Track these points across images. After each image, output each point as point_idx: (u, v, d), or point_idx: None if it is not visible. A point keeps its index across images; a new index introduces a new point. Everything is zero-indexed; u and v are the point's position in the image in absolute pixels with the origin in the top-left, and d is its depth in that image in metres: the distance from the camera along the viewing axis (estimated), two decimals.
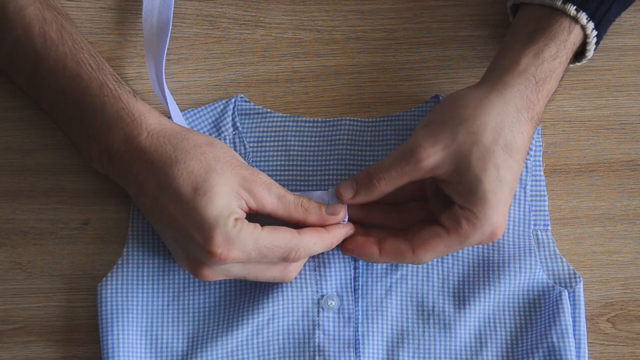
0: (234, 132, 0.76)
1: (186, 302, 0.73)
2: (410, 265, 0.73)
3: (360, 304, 0.73)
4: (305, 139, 0.76)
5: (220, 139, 0.76)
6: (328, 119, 0.77)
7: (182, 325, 0.73)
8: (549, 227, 0.75)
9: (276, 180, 0.75)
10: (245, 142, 0.76)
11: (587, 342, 0.73)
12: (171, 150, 0.66)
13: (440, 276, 0.73)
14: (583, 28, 0.70)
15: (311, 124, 0.77)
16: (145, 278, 0.73)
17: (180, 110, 0.76)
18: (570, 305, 0.73)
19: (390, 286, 0.73)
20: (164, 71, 0.74)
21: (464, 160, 0.66)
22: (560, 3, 0.69)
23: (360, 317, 0.72)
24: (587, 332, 0.74)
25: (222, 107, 0.77)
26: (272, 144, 0.76)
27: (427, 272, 0.73)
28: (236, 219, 0.65)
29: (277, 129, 0.77)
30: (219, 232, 0.64)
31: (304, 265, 0.72)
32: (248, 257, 0.66)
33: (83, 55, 0.69)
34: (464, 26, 0.79)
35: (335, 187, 0.71)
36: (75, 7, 0.79)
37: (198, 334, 0.72)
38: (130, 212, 0.74)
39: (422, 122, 0.70)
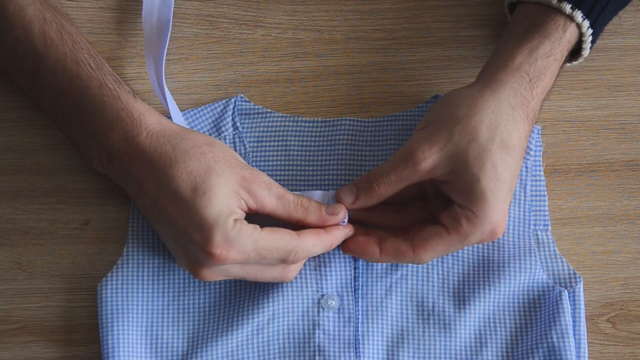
0: (234, 132, 0.76)
1: (186, 301, 0.73)
2: (410, 265, 0.73)
3: (360, 303, 0.73)
4: (305, 139, 0.76)
5: (220, 138, 0.76)
6: (328, 119, 0.77)
7: (182, 325, 0.73)
8: (549, 227, 0.75)
9: (276, 180, 0.75)
10: (245, 142, 0.76)
11: (587, 342, 0.73)
12: (170, 151, 0.66)
13: (440, 276, 0.73)
14: (578, 26, 0.70)
15: (311, 124, 0.77)
16: (145, 278, 0.73)
17: (180, 110, 0.76)
18: (570, 305, 0.73)
19: (391, 286, 0.73)
20: (163, 71, 0.74)
21: (461, 160, 0.67)
22: (555, 1, 0.69)
23: (360, 316, 0.72)
24: (587, 332, 0.74)
25: (222, 107, 0.77)
26: (272, 143, 0.76)
27: (427, 272, 0.73)
28: (235, 220, 0.65)
29: (277, 128, 0.77)
30: (218, 233, 0.64)
31: (304, 265, 0.72)
32: (247, 258, 0.66)
33: (83, 55, 0.69)
34: (464, 26, 0.79)
35: (335, 191, 0.71)
36: (75, 7, 0.79)
37: (198, 333, 0.72)
38: (130, 212, 0.74)
39: (419, 125, 0.70)
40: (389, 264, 0.73)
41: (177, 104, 0.76)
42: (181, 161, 0.66)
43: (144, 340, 0.72)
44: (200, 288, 0.73)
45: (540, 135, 0.76)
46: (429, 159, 0.67)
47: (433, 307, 0.73)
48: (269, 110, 0.77)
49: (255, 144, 0.76)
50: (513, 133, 0.67)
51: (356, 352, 0.72)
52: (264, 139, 0.76)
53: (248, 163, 0.74)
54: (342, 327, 0.72)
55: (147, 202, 0.67)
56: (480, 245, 0.74)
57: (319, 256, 0.72)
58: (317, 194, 0.71)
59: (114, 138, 0.67)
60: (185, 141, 0.67)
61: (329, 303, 0.72)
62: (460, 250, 0.73)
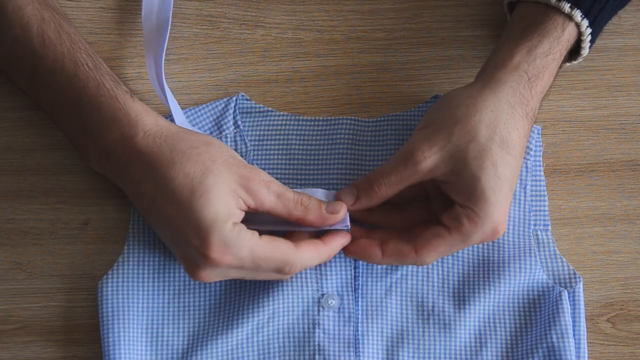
0: (235, 131, 0.76)
1: (187, 300, 0.73)
2: (410, 265, 0.73)
3: (360, 303, 0.73)
4: (306, 137, 0.76)
5: (221, 137, 0.76)
6: (329, 118, 0.77)
7: (182, 323, 0.73)
8: (549, 227, 0.75)
9: (277, 179, 0.75)
10: (247, 141, 0.76)
11: (587, 342, 0.73)
12: (167, 152, 0.66)
13: (440, 276, 0.73)
14: (577, 25, 0.70)
15: (312, 123, 0.77)
16: (145, 276, 0.73)
17: (181, 109, 0.75)
18: (570, 305, 0.73)
19: (390, 286, 0.73)
20: (163, 69, 0.74)
21: (461, 159, 0.67)
22: (554, 0, 0.69)
23: (360, 316, 0.72)
24: (587, 332, 0.74)
25: (223, 105, 0.77)
26: (273, 142, 0.76)
27: (427, 272, 0.73)
28: (234, 223, 0.65)
29: (278, 127, 0.77)
30: (216, 236, 0.64)
31: None
32: (242, 265, 0.65)
33: (81, 55, 0.69)
34: (464, 26, 0.79)
35: (337, 191, 0.71)
36: (75, 7, 0.79)
37: (198, 332, 0.72)
38: (130, 211, 0.74)
39: (419, 125, 0.70)
40: None
41: (177, 104, 0.75)
42: (178, 162, 0.66)
43: (145, 338, 0.72)
44: (201, 286, 0.73)
45: (540, 135, 0.76)
46: (429, 159, 0.67)
47: (433, 307, 0.73)
48: (270, 108, 0.77)
49: (257, 143, 0.76)
50: (513, 132, 0.67)
51: (356, 352, 0.72)
52: (265, 137, 0.76)
53: (249, 162, 0.74)
54: (342, 326, 0.72)
55: (145, 203, 0.67)
56: (480, 245, 0.74)
57: None
58: (320, 192, 0.71)
59: (111, 138, 0.67)
60: (182, 142, 0.67)
61: (329, 302, 0.72)
62: (460, 251, 0.73)
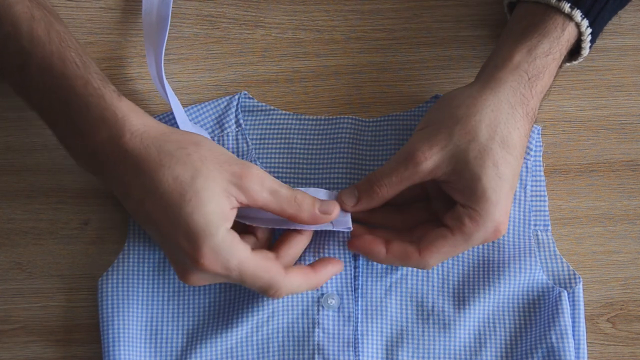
0: (236, 129, 0.76)
1: (186, 298, 0.73)
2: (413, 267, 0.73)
3: (360, 302, 0.73)
4: (307, 136, 0.76)
5: (223, 135, 0.76)
6: (330, 117, 0.77)
7: (182, 321, 0.73)
8: (549, 228, 0.75)
9: (278, 178, 0.75)
10: (248, 139, 0.76)
11: (587, 342, 0.73)
12: (155, 154, 0.65)
13: (440, 276, 0.73)
14: (577, 25, 0.70)
15: (314, 122, 0.77)
16: (145, 273, 0.73)
17: (183, 107, 0.75)
18: (570, 305, 0.73)
19: (390, 286, 0.73)
20: (163, 67, 0.74)
21: (461, 159, 0.66)
22: (554, 0, 0.69)
23: (360, 316, 0.72)
24: (587, 332, 0.74)
25: (225, 103, 0.77)
26: (274, 141, 0.76)
27: (427, 272, 0.73)
28: (227, 230, 0.64)
29: (280, 126, 0.77)
30: (207, 243, 0.63)
31: (305, 264, 0.72)
32: (228, 275, 0.65)
33: (69, 53, 0.67)
34: (464, 26, 0.80)
35: (338, 192, 0.71)
36: (75, 7, 0.79)
37: (198, 330, 0.72)
38: None
39: (419, 125, 0.70)
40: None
41: (178, 101, 0.75)
42: (167, 165, 0.64)
43: (144, 335, 0.72)
44: (201, 285, 0.73)
45: (540, 135, 0.76)
46: (430, 160, 0.67)
47: (433, 307, 0.73)
48: (272, 107, 0.77)
49: (258, 142, 0.76)
50: (513, 131, 0.67)
51: (355, 351, 0.72)
52: (267, 136, 0.76)
53: (251, 160, 0.74)
54: (342, 326, 0.72)
55: (133, 205, 0.66)
56: (480, 246, 0.74)
57: (319, 254, 0.72)
58: (322, 192, 0.71)
59: (99, 138, 0.66)
60: (170, 143, 0.65)
61: (329, 302, 0.72)
62: None
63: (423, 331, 0.73)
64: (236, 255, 0.64)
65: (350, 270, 0.73)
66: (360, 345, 0.72)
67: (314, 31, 0.79)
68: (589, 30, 0.70)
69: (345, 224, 0.70)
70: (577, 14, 0.69)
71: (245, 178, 0.65)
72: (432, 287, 0.73)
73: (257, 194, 0.66)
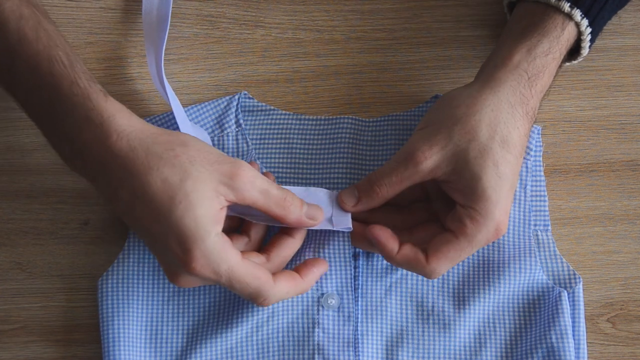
0: (236, 129, 0.76)
1: (186, 298, 0.73)
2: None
3: (360, 302, 0.73)
4: (307, 136, 0.77)
5: (222, 135, 0.76)
6: (330, 117, 0.77)
7: (182, 321, 0.73)
8: (549, 228, 0.75)
9: (278, 177, 0.75)
10: (248, 139, 0.76)
11: (587, 342, 0.73)
12: (143, 156, 0.64)
13: (440, 276, 0.73)
14: (577, 25, 0.70)
15: (314, 122, 0.77)
16: (146, 273, 0.73)
17: (182, 107, 0.75)
18: (570, 305, 0.73)
19: (390, 286, 0.73)
20: (163, 66, 0.74)
21: (462, 159, 0.66)
22: (554, 0, 0.69)
23: (360, 315, 0.72)
24: (587, 332, 0.74)
25: (225, 103, 0.77)
26: (274, 141, 0.76)
27: None
28: (218, 234, 0.63)
29: (280, 126, 0.77)
30: (198, 247, 0.63)
31: None
32: (218, 280, 0.64)
33: (56, 52, 0.66)
34: (464, 26, 0.80)
35: (339, 192, 0.71)
36: (75, 7, 0.79)
37: (198, 330, 0.72)
38: None
39: (419, 125, 0.70)
40: (389, 263, 0.73)
41: (178, 101, 0.75)
42: (155, 167, 0.63)
43: (144, 335, 0.72)
44: (201, 285, 0.73)
45: (540, 135, 0.76)
46: (430, 159, 0.67)
47: (433, 307, 0.73)
48: (272, 107, 0.77)
49: (258, 142, 0.76)
50: (513, 131, 0.67)
51: (355, 351, 0.72)
52: (267, 136, 0.76)
53: (251, 160, 0.74)
54: (342, 325, 0.72)
55: (122, 207, 0.65)
56: None
57: (319, 254, 0.72)
58: (323, 192, 0.71)
59: (85, 139, 0.65)
60: (157, 144, 0.64)
61: (329, 302, 0.72)
62: None
63: (423, 331, 0.73)
64: (226, 260, 0.63)
65: (350, 270, 0.73)
66: (360, 345, 0.72)
67: (314, 31, 0.79)
68: (589, 29, 0.70)
69: (346, 223, 0.70)
70: (577, 14, 0.69)
71: (236, 177, 0.65)
72: (432, 287, 0.73)
73: (247, 193, 0.65)
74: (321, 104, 0.78)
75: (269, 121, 0.77)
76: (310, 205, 0.68)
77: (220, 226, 0.64)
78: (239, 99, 0.77)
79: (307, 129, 0.77)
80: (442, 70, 0.79)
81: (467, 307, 0.73)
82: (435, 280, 0.73)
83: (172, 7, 0.77)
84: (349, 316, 0.72)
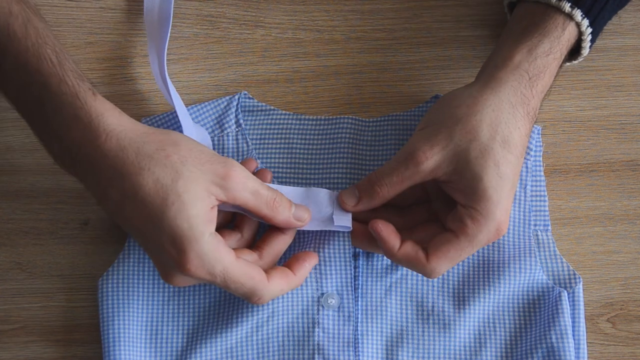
0: (236, 129, 0.76)
1: (186, 298, 0.73)
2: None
3: (360, 302, 0.73)
4: (308, 136, 0.77)
5: (222, 135, 0.76)
6: (330, 117, 0.77)
7: (182, 321, 0.73)
8: (549, 228, 0.75)
9: (278, 178, 0.75)
10: (248, 139, 0.76)
11: (587, 342, 0.73)
12: (133, 156, 0.63)
13: (440, 276, 0.73)
14: (578, 25, 0.70)
15: (314, 122, 0.77)
16: (146, 273, 0.73)
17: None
18: (570, 305, 0.73)
19: (390, 286, 0.73)
20: (165, 65, 0.74)
21: (462, 159, 0.66)
22: (554, 0, 0.69)
23: (360, 315, 0.72)
24: (587, 332, 0.74)
25: (225, 103, 0.77)
26: (275, 141, 0.76)
27: None
28: (211, 234, 0.63)
29: (280, 126, 0.77)
30: (192, 248, 0.62)
31: None
32: (213, 280, 0.64)
33: (45, 50, 0.65)
34: (464, 26, 0.80)
35: (339, 192, 0.71)
36: (75, 7, 0.79)
37: (198, 330, 0.72)
38: None
39: (419, 125, 0.70)
40: (389, 263, 0.73)
41: (180, 100, 0.75)
42: (146, 168, 0.63)
43: (144, 335, 0.72)
44: (200, 285, 0.73)
45: (540, 135, 0.76)
46: (431, 159, 0.67)
47: (433, 307, 0.73)
48: (272, 107, 0.77)
49: (258, 142, 0.76)
50: (514, 131, 0.67)
51: (355, 351, 0.72)
52: (267, 136, 0.76)
53: (249, 157, 0.74)
54: (342, 325, 0.72)
55: (112, 207, 0.64)
56: None
57: (319, 254, 0.72)
58: (323, 192, 0.71)
59: (74, 139, 0.64)
60: (148, 144, 0.64)
61: (329, 301, 0.72)
62: None
63: (423, 331, 0.73)
64: (221, 261, 0.63)
65: (351, 270, 0.72)
66: (360, 345, 0.72)
67: (314, 31, 0.79)
68: (589, 29, 0.70)
69: (346, 223, 0.70)
70: (578, 14, 0.69)
71: (228, 178, 0.64)
72: (432, 287, 0.73)
73: (238, 193, 0.65)
74: (321, 104, 0.78)
75: (269, 121, 0.77)
76: (298, 206, 0.69)
77: (213, 225, 0.64)
78: (239, 99, 0.77)
79: (307, 129, 0.77)
80: (442, 70, 0.79)
81: (467, 307, 0.73)
82: (435, 280, 0.73)
83: (173, 7, 0.77)
84: (349, 316, 0.72)
